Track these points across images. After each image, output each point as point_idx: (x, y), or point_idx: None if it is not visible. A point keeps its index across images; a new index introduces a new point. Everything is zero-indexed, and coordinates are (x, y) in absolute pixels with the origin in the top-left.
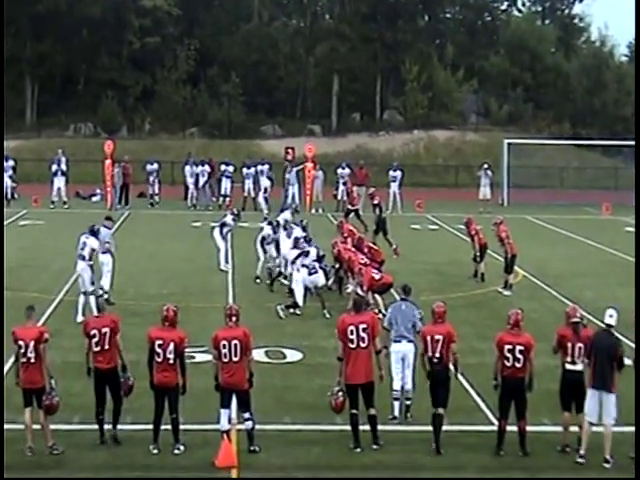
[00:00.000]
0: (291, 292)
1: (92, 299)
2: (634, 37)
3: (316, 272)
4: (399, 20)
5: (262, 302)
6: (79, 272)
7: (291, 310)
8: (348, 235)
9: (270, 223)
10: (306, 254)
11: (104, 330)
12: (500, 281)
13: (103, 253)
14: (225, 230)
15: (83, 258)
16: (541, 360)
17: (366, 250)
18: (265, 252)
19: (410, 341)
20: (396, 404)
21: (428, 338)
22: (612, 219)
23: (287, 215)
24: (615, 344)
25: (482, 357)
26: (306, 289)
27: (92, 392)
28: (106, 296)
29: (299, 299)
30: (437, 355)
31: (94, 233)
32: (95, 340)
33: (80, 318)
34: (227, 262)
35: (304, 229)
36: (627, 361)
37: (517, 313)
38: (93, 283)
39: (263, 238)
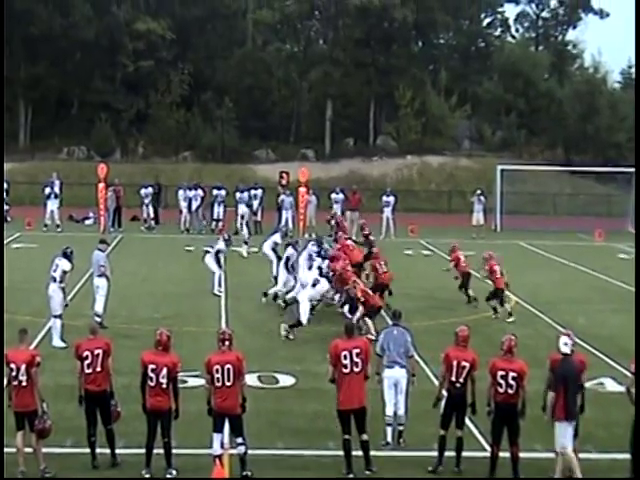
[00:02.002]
0: (286, 307)
1: (58, 322)
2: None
3: (319, 282)
4: (393, 45)
5: (255, 326)
6: (50, 294)
7: (295, 329)
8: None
9: (291, 245)
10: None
11: (97, 352)
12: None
13: (98, 276)
14: (220, 256)
15: (54, 280)
16: (534, 386)
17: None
18: (289, 273)
19: (402, 367)
20: (389, 430)
21: (454, 363)
22: (605, 245)
23: (277, 238)
24: (580, 370)
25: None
26: (312, 307)
27: (84, 415)
28: (99, 319)
29: (304, 318)
30: (461, 380)
31: (67, 255)
32: (87, 362)
33: (58, 342)
34: (220, 286)
35: (319, 244)
36: (620, 388)
37: (510, 339)
38: (67, 305)
39: (287, 259)
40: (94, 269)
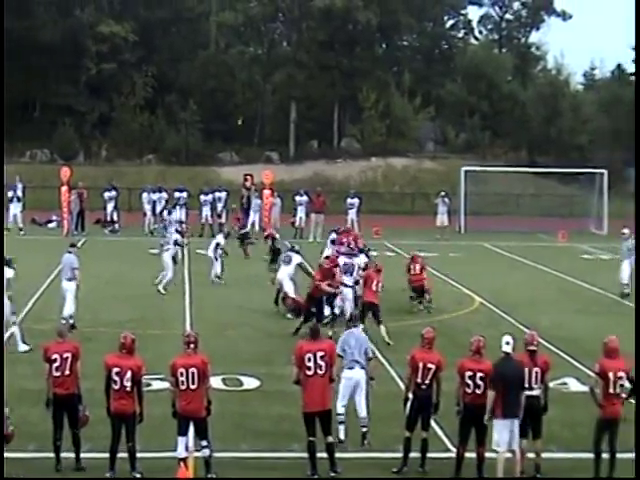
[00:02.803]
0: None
1: (16, 328)
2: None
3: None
4: (356, 48)
5: (220, 329)
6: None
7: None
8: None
9: (294, 250)
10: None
11: (65, 355)
12: (455, 307)
13: (68, 280)
14: (219, 249)
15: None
16: None
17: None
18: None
19: (363, 367)
20: (342, 428)
21: (420, 365)
22: (568, 246)
23: (220, 239)
24: (521, 369)
25: None
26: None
27: (48, 420)
28: (71, 321)
29: (349, 310)
30: (427, 382)
31: (7, 263)
32: (56, 365)
33: (22, 347)
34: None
35: (299, 253)
36: (584, 388)
37: (479, 340)
38: (14, 313)
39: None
40: (64, 272)
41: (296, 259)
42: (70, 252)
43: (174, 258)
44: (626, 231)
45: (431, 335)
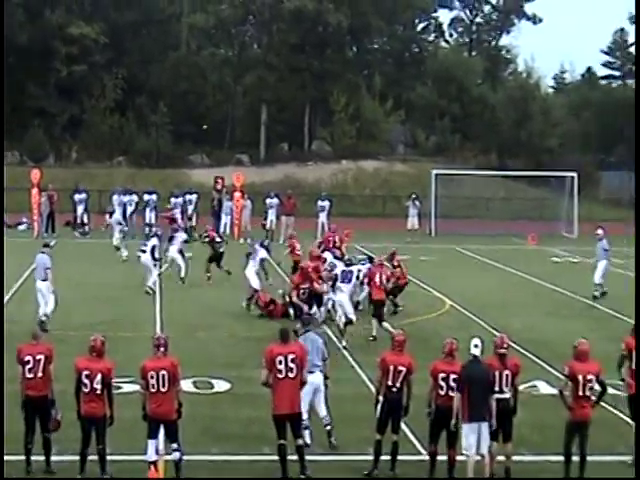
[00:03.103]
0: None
1: None
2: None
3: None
4: (327, 50)
5: (191, 331)
6: None
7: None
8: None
9: (263, 245)
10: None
11: (38, 357)
12: (426, 310)
13: (42, 280)
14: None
15: None
16: None
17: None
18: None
19: (322, 371)
20: (306, 432)
21: (391, 368)
22: (538, 249)
23: (183, 236)
24: (488, 372)
25: None
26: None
27: (17, 423)
28: (44, 318)
29: (351, 314)
30: (397, 385)
31: None
32: (29, 367)
33: None
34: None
35: (268, 250)
36: (553, 390)
37: (452, 342)
38: None
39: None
40: (37, 272)
41: (261, 254)
42: (43, 252)
43: (158, 260)
44: (600, 232)
45: (402, 338)
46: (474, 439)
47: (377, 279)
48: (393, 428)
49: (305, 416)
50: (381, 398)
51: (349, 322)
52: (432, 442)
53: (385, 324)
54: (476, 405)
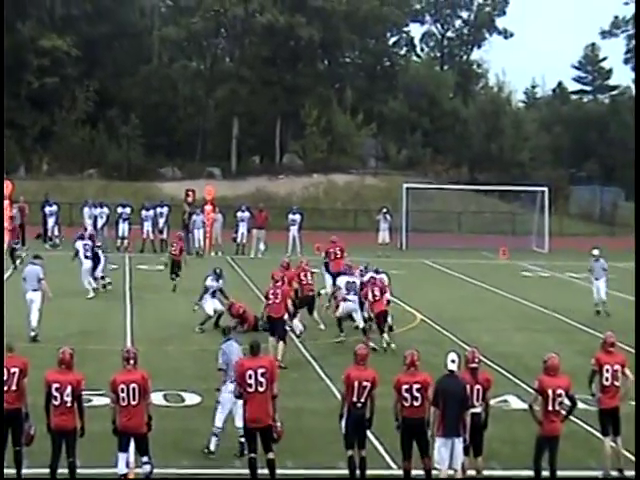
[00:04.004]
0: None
1: None
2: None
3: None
4: (299, 64)
5: (160, 345)
6: None
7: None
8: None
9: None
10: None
11: (13, 370)
12: (396, 324)
13: (33, 290)
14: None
15: None
16: None
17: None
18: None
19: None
20: (214, 439)
21: (355, 384)
22: (509, 263)
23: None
24: (464, 387)
25: (378, 400)
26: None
27: None
28: (33, 333)
29: (360, 321)
30: (362, 400)
31: None
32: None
33: None
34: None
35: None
36: (524, 405)
37: (413, 354)
38: None
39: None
40: (29, 283)
41: (213, 286)
42: (35, 264)
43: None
44: (596, 252)
45: (364, 352)
46: (447, 454)
47: (370, 296)
48: (359, 443)
49: (219, 424)
50: (345, 412)
51: (356, 327)
52: (405, 458)
53: (365, 324)
54: (451, 420)
